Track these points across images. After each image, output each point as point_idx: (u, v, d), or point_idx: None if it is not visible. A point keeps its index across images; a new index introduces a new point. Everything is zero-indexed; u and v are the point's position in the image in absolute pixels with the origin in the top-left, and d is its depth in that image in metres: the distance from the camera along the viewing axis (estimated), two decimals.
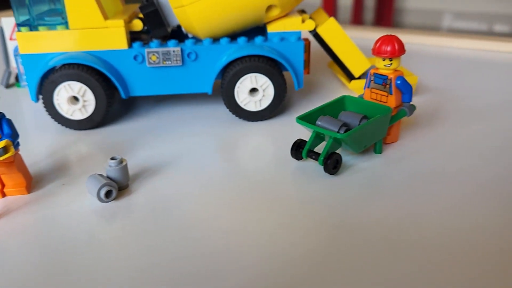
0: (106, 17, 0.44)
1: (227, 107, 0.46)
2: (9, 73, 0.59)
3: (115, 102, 0.47)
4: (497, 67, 0.62)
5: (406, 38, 0.72)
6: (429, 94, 0.52)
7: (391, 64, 0.39)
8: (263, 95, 0.45)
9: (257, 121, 0.46)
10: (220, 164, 0.39)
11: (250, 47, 0.44)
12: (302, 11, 0.52)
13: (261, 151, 0.42)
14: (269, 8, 0.45)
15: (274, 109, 0.46)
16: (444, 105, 0.49)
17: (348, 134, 0.35)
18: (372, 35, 0.74)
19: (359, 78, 0.50)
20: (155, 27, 0.45)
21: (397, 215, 0.32)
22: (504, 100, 0.50)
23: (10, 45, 0.58)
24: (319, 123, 0.38)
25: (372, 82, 0.40)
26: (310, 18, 0.47)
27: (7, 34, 0.58)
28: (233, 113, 0.46)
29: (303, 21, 0.46)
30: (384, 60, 0.38)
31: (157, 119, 0.48)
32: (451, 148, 0.40)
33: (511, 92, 0.52)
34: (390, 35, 0.39)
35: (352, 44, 0.48)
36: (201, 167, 0.39)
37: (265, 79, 0.44)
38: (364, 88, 0.41)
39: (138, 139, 0.44)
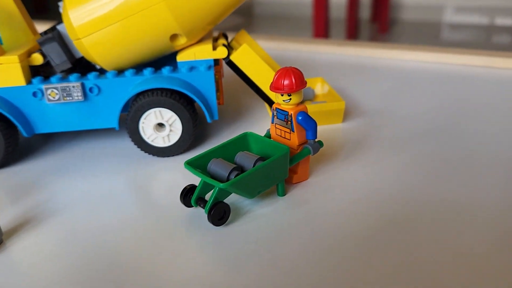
0: (1, 52, 0.41)
1: (134, 144, 0.43)
2: None
3: (18, 141, 0.44)
4: (451, 81, 0.58)
5: (360, 51, 0.69)
6: (360, 118, 0.49)
7: (290, 99, 0.35)
8: (171, 130, 0.42)
9: (167, 156, 0.43)
10: (114, 211, 0.36)
11: (154, 80, 0.41)
12: (223, 35, 0.49)
13: (163, 192, 0.39)
14: (174, 37, 0.42)
15: (185, 144, 0.43)
16: (372, 132, 0.46)
17: (229, 184, 0.32)
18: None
19: None
20: (56, 60, 0.43)
21: (294, 278, 0.29)
22: (440, 123, 0.47)
23: None
24: (210, 167, 0.35)
25: (276, 117, 0.37)
26: (225, 45, 0.44)
27: None
28: (141, 149, 0.43)
29: (215, 48, 0.43)
30: (282, 95, 0.35)
31: (68, 155, 0.46)
32: (362, 187, 0.37)
33: (452, 112, 0.49)
34: (288, 68, 0.35)
35: (268, 68, 0.44)
36: (92, 214, 0.36)
37: (170, 114, 0.42)
38: (271, 123, 0.38)
39: (39, 181, 0.41)
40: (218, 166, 0.34)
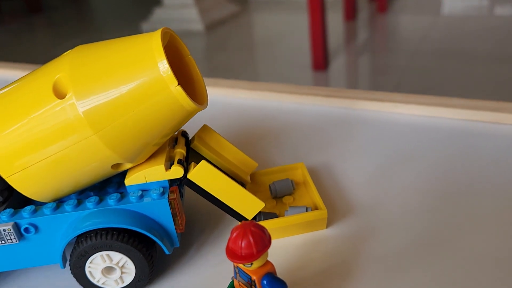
0: None
1: (83, 287, 0.37)
2: None
3: None
4: (454, 140, 0.51)
5: (348, 103, 0.62)
6: (347, 220, 0.42)
7: (251, 264, 0.29)
8: (123, 272, 0.36)
9: None
10: None
11: (98, 216, 0.35)
12: (182, 135, 0.42)
13: None
14: (116, 165, 0.35)
15: (142, 283, 0.37)
16: (359, 246, 0.39)
17: None
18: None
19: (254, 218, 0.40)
20: None
21: None
22: (447, 224, 0.40)
23: None
24: None
25: (238, 274, 0.31)
26: (181, 161, 0.37)
27: None
28: None
29: (170, 163, 0.37)
30: None
31: None
32: None
33: (463, 200, 0.42)
34: (246, 227, 0.29)
35: (234, 184, 0.38)
36: None
37: (120, 256, 0.35)
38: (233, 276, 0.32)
39: None
40: None
